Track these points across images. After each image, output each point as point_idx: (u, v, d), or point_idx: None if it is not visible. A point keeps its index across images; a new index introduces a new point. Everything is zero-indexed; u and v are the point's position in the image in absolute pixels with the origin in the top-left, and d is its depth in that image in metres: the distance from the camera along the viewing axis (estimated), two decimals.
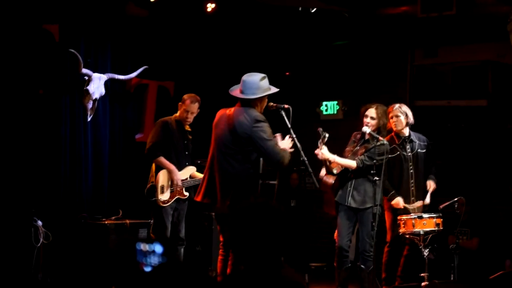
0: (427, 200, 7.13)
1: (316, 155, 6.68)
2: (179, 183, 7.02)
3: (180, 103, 7.20)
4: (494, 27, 8.07)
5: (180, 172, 7.09)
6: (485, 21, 8.19)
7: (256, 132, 5.60)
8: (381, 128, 6.92)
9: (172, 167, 7.02)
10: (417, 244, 6.87)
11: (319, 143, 6.63)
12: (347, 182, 6.88)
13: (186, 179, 7.17)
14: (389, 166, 6.86)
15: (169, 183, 7.01)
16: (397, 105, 7.18)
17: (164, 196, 7.00)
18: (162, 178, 7.00)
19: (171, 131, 7.09)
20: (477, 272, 7.90)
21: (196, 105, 7.15)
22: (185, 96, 7.20)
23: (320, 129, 6.61)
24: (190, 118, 7.16)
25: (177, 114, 7.22)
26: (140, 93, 8.83)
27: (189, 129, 7.28)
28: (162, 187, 6.98)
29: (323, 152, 6.67)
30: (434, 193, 7.36)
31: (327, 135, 6.57)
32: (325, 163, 6.81)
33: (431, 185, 7.19)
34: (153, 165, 7.12)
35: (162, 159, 7.00)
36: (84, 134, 8.12)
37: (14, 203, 7.20)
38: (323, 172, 6.92)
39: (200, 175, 7.06)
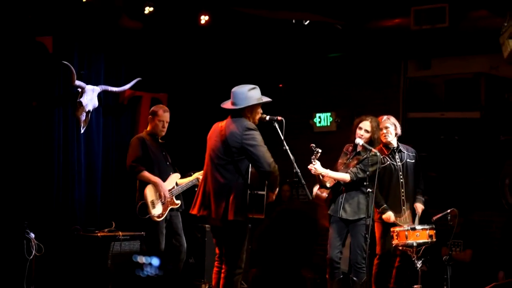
0: (416, 223, 7.08)
1: (309, 170, 6.71)
2: (167, 194, 7.01)
3: (150, 116, 7.26)
4: (487, 40, 8.10)
5: (165, 183, 7.09)
6: (478, 34, 8.21)
7: (247, 139, 5.64)
8: (374, 142, 6.95)
9: (157, 179, 7.01)
10: (408, 255, 6.87)
11: (312, 159, 6.67)
12: (339, 194, 6.94)
13: (173, 187, 7.16)
14: (379, 176, 6.88)
15: (157, 196, 7.00)
16: (385, 117, 7.23)
17: (157, 210, 6.97)
18: (149, 193, 6.97)
19: (148, 146, 7.10)
20: (470, 284, 7.90)
21: (168, 114, 7.24)
22: (155, 109, 7.27)
23: (313, 145, 6.64)
24: (165, 128, 7.23)
25: (148, 128, 7.27)
26: (133, 105, 8.83)
27: (162, 141, 7.30)
28: (152, 202, 6.96)
29: (316, 167, 6.73)
30: (427, 204, 7.38)
31: (319, 151, 6.62)
32: (318, 177, 6.86)
33: (418, 208, 7.20)
34: (137, 183, 7.11)
35: (146, 173, 7.00)
36: (77, 146, 8.10)
37: (6, 215, 7.17)
38: (316, 188, 6.97)
39: (185, 181, 7.22)
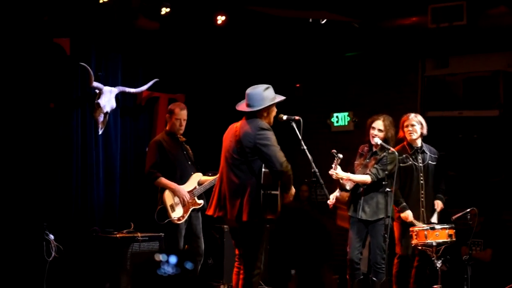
0: (434, 219, 7.05)
1: (329, 173, 6.69)
2: (186, 198, 6.99)
3: (167, 115, 7.27)
4: (505, 37, 8.07)
5: (185, 185, 7.08)
6: (496, 31, 8.17)
7: (260, 139, 5.64)
8: (389, 140, 6.92)
9: (173, 185, 6.99)
10: (428, 255, 6.83)
11: (333, 164, 6.64)
12: (358, 195, 6.92)
13: (195, 187, 7.13)
14: (400, 175, 6.84)
15: (177, 199, 7.00)
16: (412, 115, 7.17)
17: (177, 213, 6.96)
18: (168, 197, 6.96)
19: (166, 147, 7.08)
20: (491, 283, 7.86)
21: (185, 111, 7.20)
22: (172, 107, 7.27)
23: (334, 151, 6.61)
24: (183, 126, 7.19)
25: (167, 128, 7.25)
26: (151, 106, 8.84)
27: (184, 139, 7.27)
28: (172, 206, 6.95)
29: (338, 172, 6.71)
30: (446, 203, 7.33)
31: (341, 156, 6.59)
32: (338, 180, 6.84)
33: (438, 204, 7.15)
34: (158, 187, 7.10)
35: (163, 180, 6.99)
36: (95, 147, 8.12)
37: (26, 217, 7.20)
38: (335, 195, 6.96)
39: (208, 178, 7.17)
